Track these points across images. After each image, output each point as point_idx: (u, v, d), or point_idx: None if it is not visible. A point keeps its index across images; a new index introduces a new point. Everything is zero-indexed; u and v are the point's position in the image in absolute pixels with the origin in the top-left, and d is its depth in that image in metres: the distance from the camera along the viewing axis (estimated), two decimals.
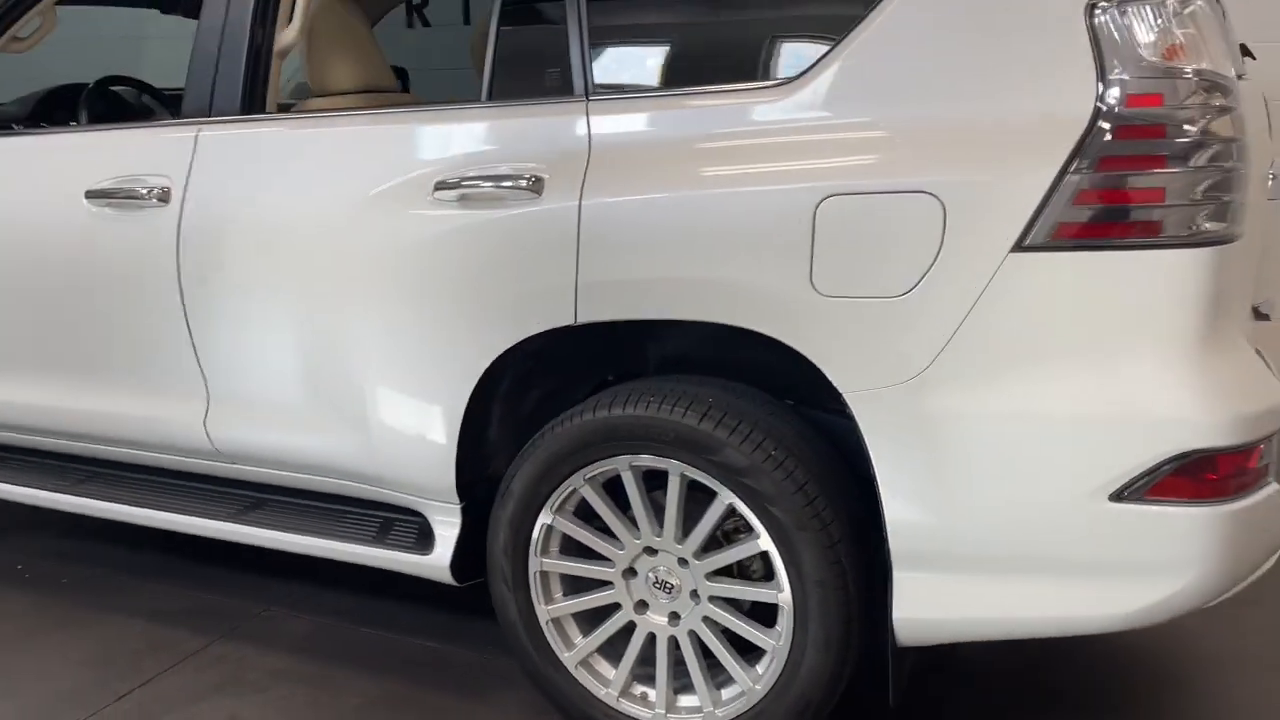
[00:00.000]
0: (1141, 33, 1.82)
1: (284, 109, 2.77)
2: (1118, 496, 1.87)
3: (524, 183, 2.20)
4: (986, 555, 1.98)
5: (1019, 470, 1.92)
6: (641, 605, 2.31)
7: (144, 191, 2.61)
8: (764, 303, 2.04)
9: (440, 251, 2.30)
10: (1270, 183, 2.17)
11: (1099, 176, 1.82)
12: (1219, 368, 1.86)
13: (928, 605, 2.04)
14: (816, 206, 1.96)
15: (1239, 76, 2.43)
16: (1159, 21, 1.83)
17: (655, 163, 2.12)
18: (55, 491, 2.98)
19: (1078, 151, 1.82)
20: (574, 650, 2.37)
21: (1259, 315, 2.25)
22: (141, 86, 3.52)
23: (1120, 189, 1.81)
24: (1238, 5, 4.14)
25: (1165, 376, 1.84)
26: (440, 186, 2.28)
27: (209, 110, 2.61)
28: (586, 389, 2.47)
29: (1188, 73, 1.82)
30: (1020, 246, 1.85)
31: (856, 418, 2.00)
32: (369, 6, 3.83)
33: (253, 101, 2.60)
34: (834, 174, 1.97)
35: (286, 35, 2.60)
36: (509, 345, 2.26)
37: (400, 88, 3.16)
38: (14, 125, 3.21)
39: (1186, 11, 1.85)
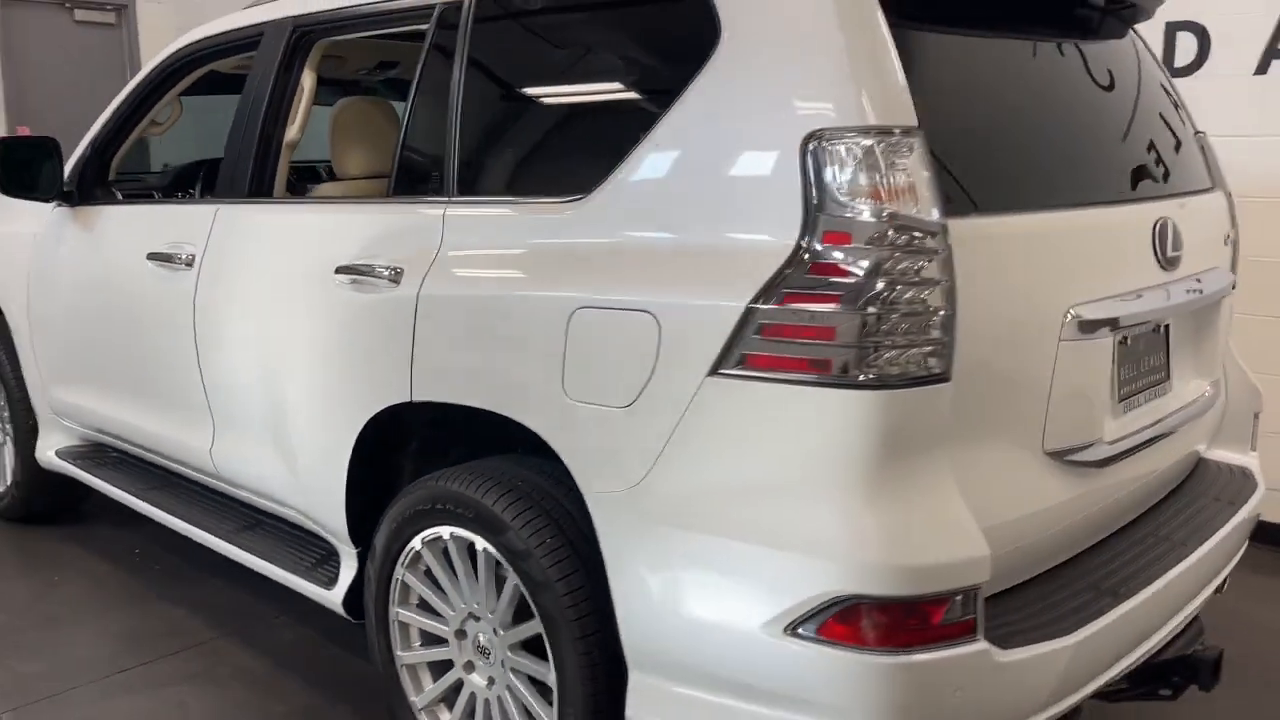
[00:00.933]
0: (845, 170, 1.82)
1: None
2: (792, 631, 1.85)
3: (390, 272, 2.49)
4: (695, 670, 2.01)
5: (714, 591, 1.95)
6: (469, 665, 2.51)
7: (180, 256, 3.17)
8: (530, 401, 2.20)
9: (333, 325, 2.64)
10: (1067, 320, 2.02)
11: (783, 310, 1.83)
12: (895, 513, 1.80)
13: (654, 709, 2.09)
14: (570, 316, 2.11)
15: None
16: (864, 160, 1.81)
17: (471, 262, 2.35)
18: (131, 493, 3.61)
19: (771, 283, 1.85)
20: (421, 695, 2.60)
21: (1063, 459, 2.08)
22: None
23: (800, 324, 1.82)
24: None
25: (835, 517, 1.82)
26: (339, 270, 2.62)
27: (229, 191, 3.13)
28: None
29: (883, 214, 1.80)
30: (715, 371, 1.90)
31: (592, 518, 2.11)
32: None
33: (260, 185, 3.08)
34: (586, 287, 2.10)
35: (291, 132, 3.07)
36: (373, 413, 2.55)
37: None
38: (155, 193, 3.94)
39: (895, 152, 1.81)
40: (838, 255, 1.80)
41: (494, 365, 2.27)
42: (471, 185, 2.45)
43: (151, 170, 4.23)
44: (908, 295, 1.79)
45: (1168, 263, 2.29)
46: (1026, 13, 2.27)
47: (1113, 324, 2.10)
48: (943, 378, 1.83)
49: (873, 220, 1.80)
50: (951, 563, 1.81)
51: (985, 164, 2.02)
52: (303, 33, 3.04)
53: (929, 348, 1.80)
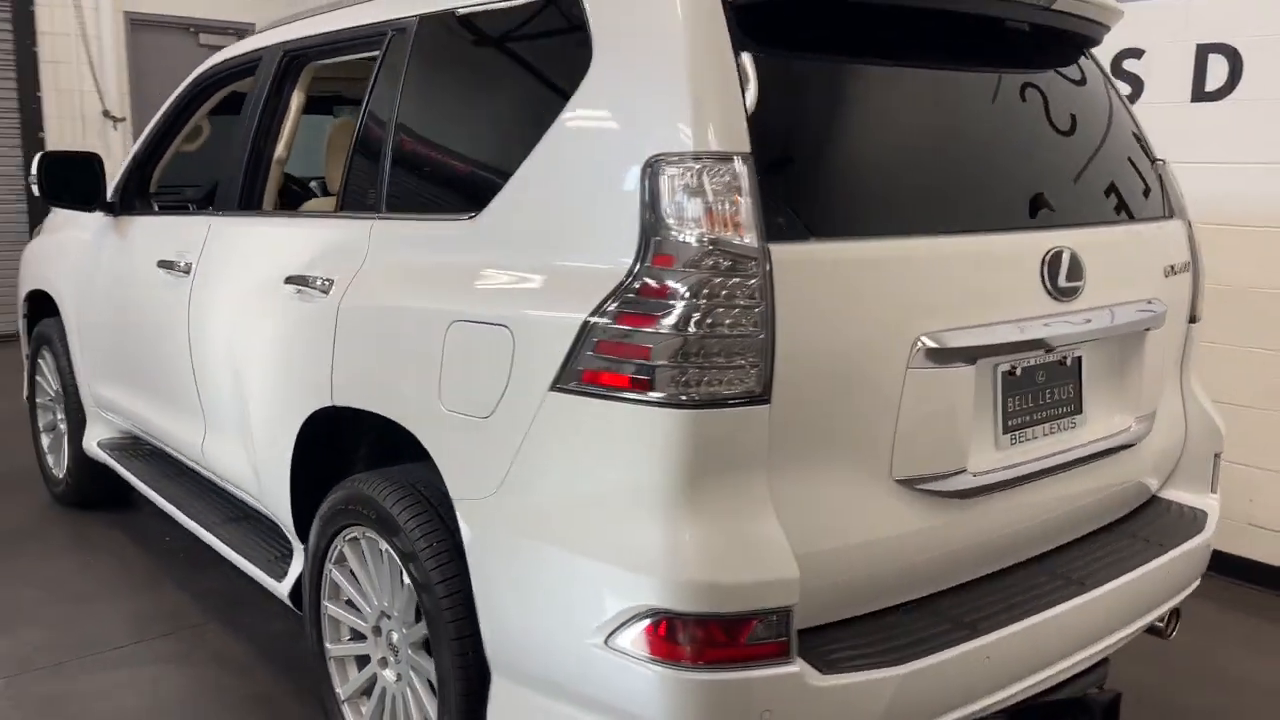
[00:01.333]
0: (675, 194, 1.86)
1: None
2: (611, 642, 1.89)
3: (322, 282, 2.64)
4: (541, 676, 2.06)
5: (553, 600, 2.00)
6: (384, 661, 2.62)
7: (179, 264, 3.41)
8: (414, 408, 2.30)
9: (280, 331, 2.81)
10: (915, 348, 1.99)
11: (613, 328, 1.88)
12: (703, 531, 1.83)
13: (510, 713, 2.16)
14: (447, 329, 2.20)
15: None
16: (692, 185, 1.85)
17: (383, 275, 2.48)
18: (146, 483, 3.88)
19: (604, 301, 1.90)
20: (345, 687, 2.73)
21: (916, 488, 2.05)
22: (287, 178, 4.40)
23: (625, 343, 1.87)
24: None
25: (648, 531, 1.85)
26: (287, 280, 2.79)
27: (224, 204, 3.35)
28: None
29: (705, 238, 1.83)
30: (555, 386, 1.97)
31: (459, 524, 2.20)
32: None
33: (249, 200, 3.28)
34: (462, 301, 2.20)
35: (278, 149, 3.26)
36: (306, 415, 2.70)
37: None
38: (190, 205, 4.22)
39: (722, 178, 1.84)
40: (662, 277, 1.85)
41: (390, 373, 2.39)
42: (396, 203, 2.57)
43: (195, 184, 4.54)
44: (725, 319, 1.82)
45: (1061, 293, 2.23)
46: (926, 41, 2.25)
47: (969, 354, 2.06)
48: (760, 399, 1.85)
49: (694, 244, 1.84)
50: (757, 583, 1.82)
51: (830, 191, 2.02)
52: (292, 56, 3.23)
53: (745, 370, 1.83)
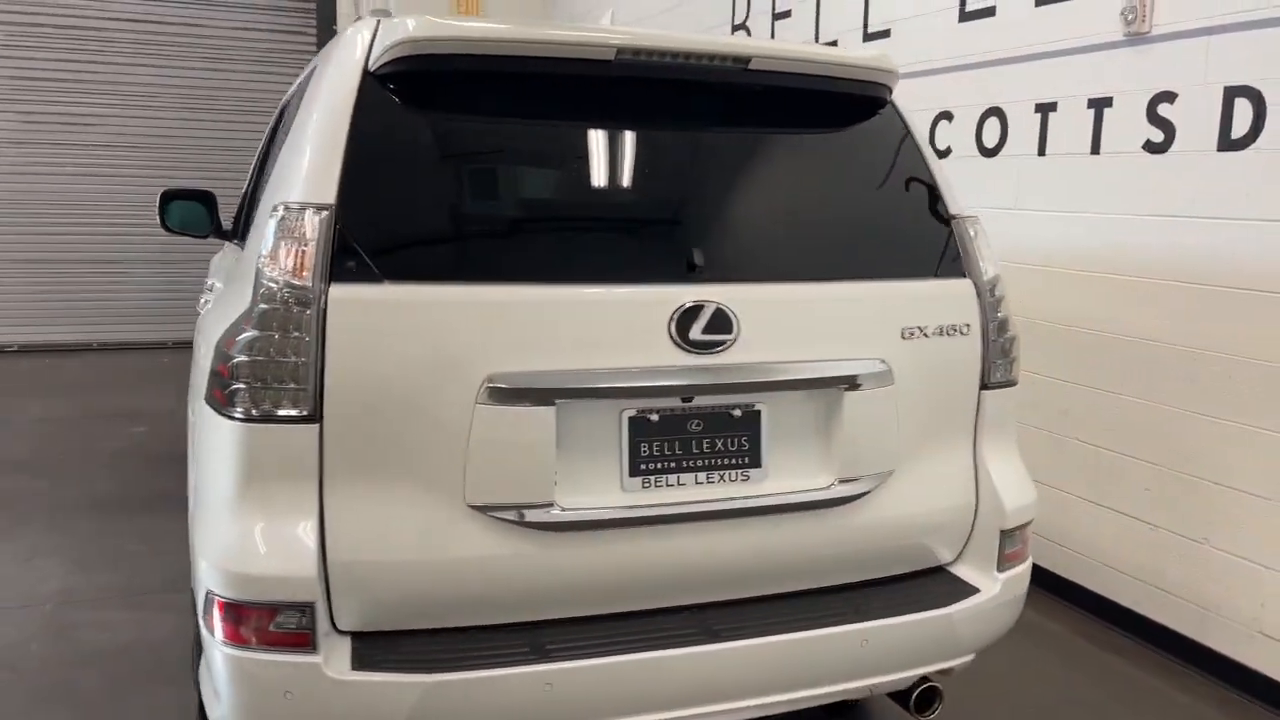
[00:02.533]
0: (269, 237, 2.18)
1: None
2: (203, 620, 2.23)
3: (204, 299, 3.18)
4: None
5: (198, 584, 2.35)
6: None
7: (208, 285, 4.11)
8: (193, 407, 2.75)
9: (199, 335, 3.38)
10: (483, 386, 2.14)
11: (221, 351, 2.23)
12: (244, 528, 2.11)
13: (202, 678, 2.53)
14: (216, 343, 2.64)
15: None
16: (278, 229, 2.16)
17: (221, 292, 2.96)
18: None
19: (229, 328, 2.25)
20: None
21: (492, 515, 2.18)
22: None
23: (221, 364, 2.20)
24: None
25: (215, 526, 2.18)
26: (204, 297, 3.36)
27: (233, 234, 4.01)
28: None
29: (275, 276, 2.13)
30: (205, 396, 2.33)
31: None
32: None
33: (246, 229, 3.90)
34: (217, 324, 2.62)
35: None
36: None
37: None
38: None
39: (298, 224, 2.13)
40: (251, 309, 2.17)
41: (197, 380, 2.86)
42: (247, 234, 3.07)
43: None
44: (282, 347, 2.11)
45: (694, 346, 2.26)
46: (576, 103, 2.38)
47: (544, 395, 2.16)
48: (309, 419, 2.11)
49: (268, 282, 2.14)
50: (277, 577, 2.09)
51: (415, 240, 2.23)
52: (284, 108, 3.83)
53: (295, 392, 2.10)
